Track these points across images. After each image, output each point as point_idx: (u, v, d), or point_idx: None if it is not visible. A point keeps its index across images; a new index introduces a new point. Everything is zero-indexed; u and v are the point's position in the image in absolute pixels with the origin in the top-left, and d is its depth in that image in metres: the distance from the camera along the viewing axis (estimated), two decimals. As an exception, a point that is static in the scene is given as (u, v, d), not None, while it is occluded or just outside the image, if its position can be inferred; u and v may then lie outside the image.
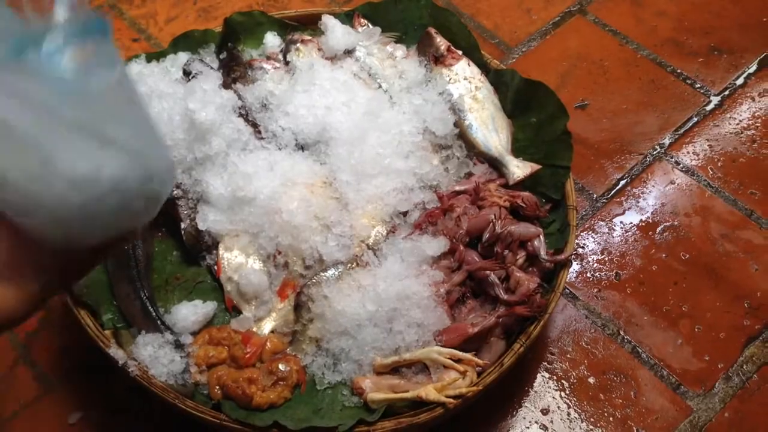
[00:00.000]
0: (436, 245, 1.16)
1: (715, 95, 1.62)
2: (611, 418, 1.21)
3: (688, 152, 1.53)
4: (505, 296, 1.13)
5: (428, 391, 1.05)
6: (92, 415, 1.22)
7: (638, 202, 1.46)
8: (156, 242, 1.25)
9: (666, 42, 1.71)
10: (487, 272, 1.14)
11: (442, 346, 1.10)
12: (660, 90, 1.63)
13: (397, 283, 1.13)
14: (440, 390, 1.05)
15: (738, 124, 1.57)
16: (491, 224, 1.16)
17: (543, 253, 1.17)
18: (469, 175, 1.31)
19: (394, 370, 1.11)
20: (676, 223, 1.43)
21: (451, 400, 1.03)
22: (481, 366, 1.09)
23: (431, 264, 1.16)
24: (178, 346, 1.10)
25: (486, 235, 1.16)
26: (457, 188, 1.26)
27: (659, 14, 1.76)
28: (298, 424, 1.04)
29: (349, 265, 1.17)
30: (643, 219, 1.44)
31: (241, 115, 1.28)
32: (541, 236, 1.18)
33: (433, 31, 1.43)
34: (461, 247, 1.16)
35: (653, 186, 1.48)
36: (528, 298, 1.11)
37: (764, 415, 1.22)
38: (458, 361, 1.08)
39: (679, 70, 1.66)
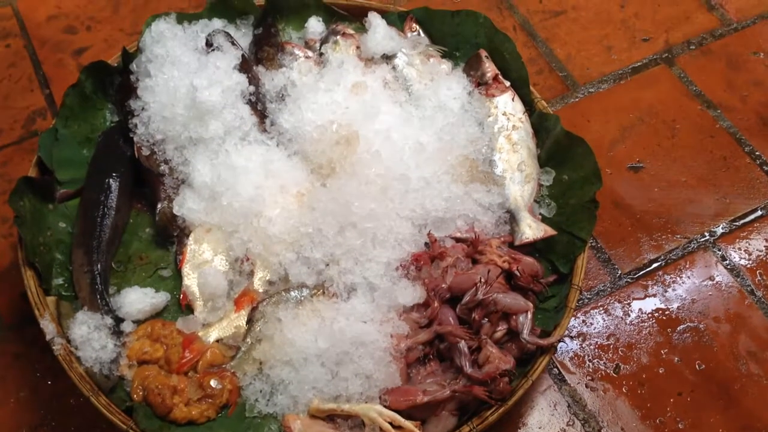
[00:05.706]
0: (410, 294, 1.05)
1: (791, 190, 1.42)
2: None
3: (739, 248, 1.35)
4: (469, 370, 1.01)
5: (354, 455, 0.96)
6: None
7: (666, 291, 1.30)
8: (132, 214, 1.19)
9: (753, 116, 1.51)
10: (458, 339, 1.03)
11: (386, 406, 1.00)
12: (729, 170, 1.44)
13: (357, 324, 1.02)
14: (368, 456, 0.95)
15: (808, 230, 1.37)
16: (475, 288, 1.04)
17: (526, 332, 1.04)
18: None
19: (330, 417, 1.01)
20: (701, 326, 1.26)
21: (374, 473, 0.93)
22: (422, 440, 0.98)
23: (401, 313, 1.05)
24: (115, 332, 1.04)
25: (466, 298, 1.04)
26: (457, 235, 1.14)
27: (755, 83, 1.55)
28: (207, 451, 0.97)
29: (314, 291, 1.08)
30: (666, 312, 1.27)
31: (249, 101, 1.19)
32: (528, 312, 1.05)
33: (483, 54, 1.29)
34: (436, 304, 1.05)
35: (689, 277, 1.31)
36: (492, 380, 0.99)
37: None
38: (398, 428, 0.98)
39: (757, 153, 1.46)
